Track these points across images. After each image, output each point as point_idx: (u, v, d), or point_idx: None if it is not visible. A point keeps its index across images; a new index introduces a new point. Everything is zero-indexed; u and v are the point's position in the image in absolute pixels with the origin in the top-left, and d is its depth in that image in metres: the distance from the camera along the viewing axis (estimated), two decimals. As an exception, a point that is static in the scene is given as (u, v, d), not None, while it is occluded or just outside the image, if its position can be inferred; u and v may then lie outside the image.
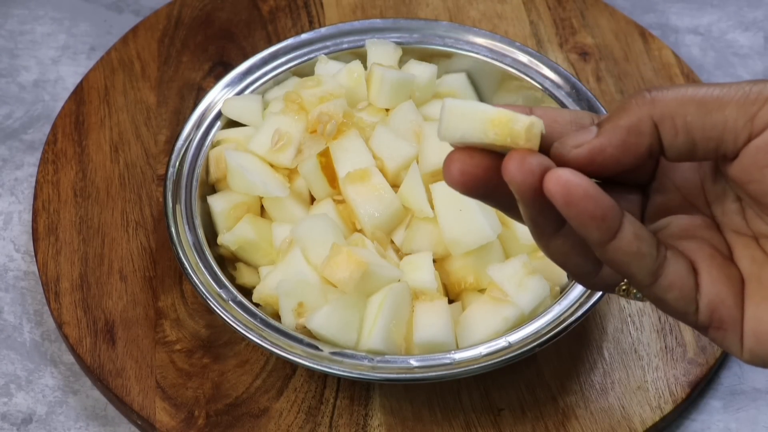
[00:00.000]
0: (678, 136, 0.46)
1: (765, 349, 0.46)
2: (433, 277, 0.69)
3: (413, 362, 0.66)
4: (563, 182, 0.44)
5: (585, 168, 0.45)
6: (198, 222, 0.72)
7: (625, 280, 0.49)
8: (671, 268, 0.46)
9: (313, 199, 0.74)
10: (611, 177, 0.47)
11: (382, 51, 0.80)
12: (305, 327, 0.67)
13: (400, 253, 0.71)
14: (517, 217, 0.49)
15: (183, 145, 0.76)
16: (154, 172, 0.82)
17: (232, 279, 0.71)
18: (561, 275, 0.70)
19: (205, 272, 0.70)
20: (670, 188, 0.50)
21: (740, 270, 0.47)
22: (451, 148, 0.47)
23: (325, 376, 0.71)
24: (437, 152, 0.72)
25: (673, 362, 0.72)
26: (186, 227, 0.72)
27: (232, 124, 0.78)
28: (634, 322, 0.74)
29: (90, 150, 0.83)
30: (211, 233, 0.74)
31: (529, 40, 0.92)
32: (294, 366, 0.72)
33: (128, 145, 0.83)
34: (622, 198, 0.50)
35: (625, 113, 0.46)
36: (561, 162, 0.46)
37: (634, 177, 0.50)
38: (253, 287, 0.71)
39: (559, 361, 0.72)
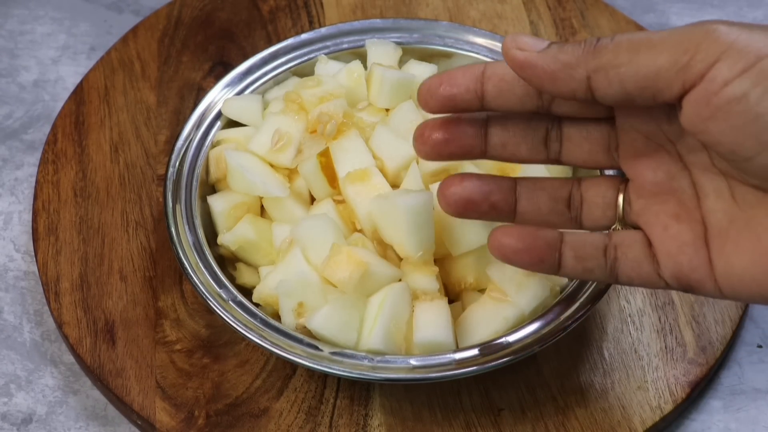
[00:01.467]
0: (611, 86, 0.48)
1: (740, 292, 0.50)
2: (434, 277, 0.69)
3: (413, 362, 0.66)
4: (498, 246, 0.55)
5: (519, 71, 0.50)
6: (198, 222, 0.72)
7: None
8: (624, 265, 0.53)
9: (313, 199, 0.74)
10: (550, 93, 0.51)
11: (382, 51, 0.80)
12: (305, 327, 0.67)
13: (400, 253, 0.71)
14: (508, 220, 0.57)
15: (183, 145, 0.76)
16: (154, 172, 0.82)
17: (232, 279, 0.71)
18: (561, 275, 0.70)
19: (205, 272, 0.70)
20: (630, 130, 0.53)
21: (704, 221, 0.50)
22: None
23: (325, 376, 0.71)
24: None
25: (673, 362, 0.72)
26: (186, 227, 0.72)
27: (232, 124, 0.78)
28: (634, 322, 0.74)
29: (90, 150, 0.83)
30: (211, 233, 0.74)
31: (529, 40, 0.91)
32: (294, 366, 0.72)
33: (128, 145, 0.83)
34: (590, 131, 0.55)
35: (569, 51, 0.49)
36: (505, 54, 0.50)
37: (592, 111, 0.54)
38: (253, 287, 0.71)
39: (559, 361, 0.72)
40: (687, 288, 0.52)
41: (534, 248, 0.53)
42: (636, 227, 0.54)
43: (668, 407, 0.70)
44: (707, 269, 0.50)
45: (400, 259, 0.69)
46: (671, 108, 0.50)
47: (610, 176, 0.58)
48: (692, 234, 0.51)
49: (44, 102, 0.90)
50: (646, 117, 0.52)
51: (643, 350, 0.73)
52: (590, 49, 0.48)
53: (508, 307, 0.67)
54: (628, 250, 0.53)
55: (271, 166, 0.74)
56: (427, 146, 0.55)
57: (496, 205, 0.56)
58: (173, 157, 0.75)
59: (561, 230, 0.54)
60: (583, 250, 0.53)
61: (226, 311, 0.67)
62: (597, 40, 0.48)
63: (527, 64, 0.49)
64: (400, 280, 0.69)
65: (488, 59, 0.81)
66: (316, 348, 0.66)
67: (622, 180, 0.56)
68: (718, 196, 0.50)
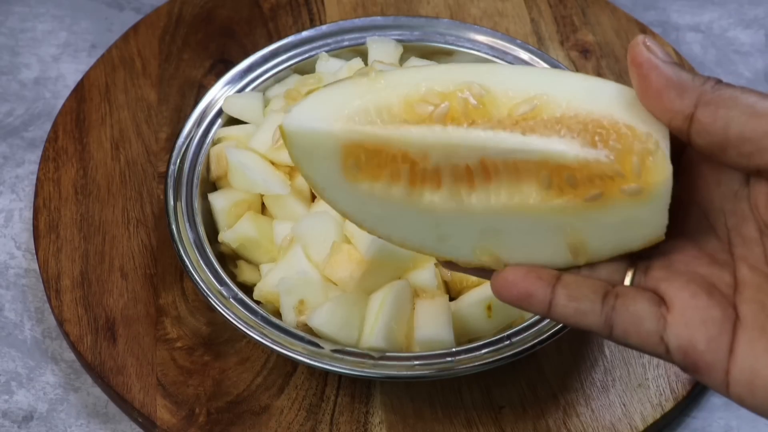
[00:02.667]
0: (715, 123, 0.45)
1: (758, 400, 0.45)
2: (434, 274, 0.69)
3: (414, 360, 0.66)
4: (494, 281, 0.50)
5: (634, 68, 0.47)
6: (199, 219, 0.72)
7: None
8: (622, 316, 0.47)
9: (314, 197, 0.74)
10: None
11: (383, 48, 0.80)
12: (306, 324, 0.67)
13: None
14: None
15: (184, 143, 0.76)
16: (155, 170, 0.82)
17: (232, 276, 0.71)
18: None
19: (206, 270, 0.70)
20: (690, 200, 0.49)
21: (739, 313, 0.46)
22: None
23: (326, 374, 0.71)
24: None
25: (674, 360, 0.72)
26: (187, 225, 0.72)
27: (233, 121, 0.78)
28: (635, 320, 0.74)
29: (91, 147, 0.83)
30: (212, 231, 0.74)
31: (530, 37, 0.91)
32: (295, 363, 0.72)
33: (129, 143, 0.83)
34: None
35: (691, 75, 0.46)
36: (634, 50, 0.47)
37: None
38: (254, 285, 0.71)
39: (560, 359, 0.72)
40: (690, 366, 0.46)
41: (524, 281, 0.49)
42: (649, 290, 0.49)
43: (669, 405, 0.70)
44: (724, 357, 0.45)
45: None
46: (748, 182, 0.47)
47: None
48: (722, 313, 0.46)
49: (45, 99, 0.90)
50: (719, 188, 0.48)
51: (644, 348, 0.73)
52: (711, 84, 0.46)
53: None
54: (631, 302, 0.48)
55: (272, 163, 0.74)
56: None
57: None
58: (174, 154, 0.75)
59: (559, 272, 0.50)
60: (578, 290, 0.48)
61: (227, 309, 0.67)
62: (717, 80, 0.46)
63: (646, 65, 0.46)
64: (401, 277, 0.69)
65: (489, 57, 0.81)
66: (317, 345, 0.66)
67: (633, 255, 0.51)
68: (760, 290, 0.46)
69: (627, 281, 0.49)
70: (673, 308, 0.47)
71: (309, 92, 0.50)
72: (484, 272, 0.51)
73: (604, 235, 0.48)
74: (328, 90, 0.50)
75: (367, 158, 0.49)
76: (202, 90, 0.86)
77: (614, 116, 0.47)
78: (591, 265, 0.50)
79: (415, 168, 0.49)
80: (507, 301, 0.50)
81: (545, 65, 0.80)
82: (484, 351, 0.66)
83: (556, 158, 0.47)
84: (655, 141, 0.46)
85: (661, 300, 0.47)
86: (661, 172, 0.46)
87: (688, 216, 0.49)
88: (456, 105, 0.48)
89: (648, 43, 0.47)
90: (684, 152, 0.50)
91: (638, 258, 0.50)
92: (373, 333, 0.66)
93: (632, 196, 0.47)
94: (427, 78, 0.49)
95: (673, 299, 0.47)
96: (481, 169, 0.48)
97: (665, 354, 0.47)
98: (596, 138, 0.47)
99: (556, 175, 0.47)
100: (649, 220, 0.48)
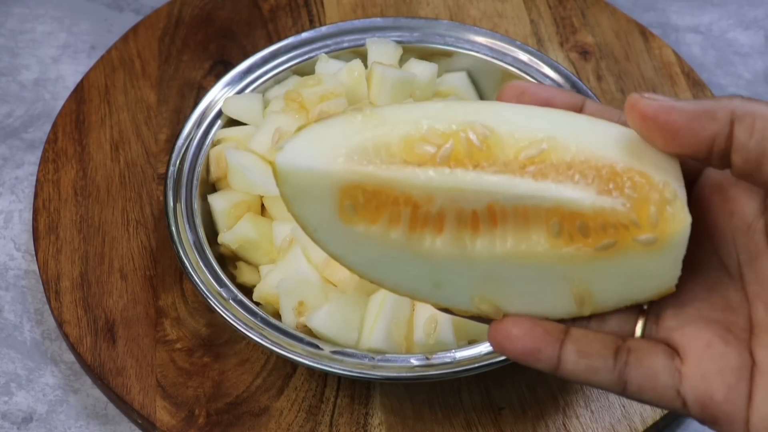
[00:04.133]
0: (752, 137, 0.43)
1: None
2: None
3: (414, 361, 0.66)
4: (494, 332, 0.46)
5: (647, 120, 0.44)
6: (198, 221, 0.72)
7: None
8: (636, 371, 0.45)
9: (313, 198, 0.74)
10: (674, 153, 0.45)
11: (382, 50, 0.80)
12: (306, 326, 0.67)
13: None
14: None
15: (183, 144, 0.76)
16: (154, 171, 0.82)
17: (232, 278, 0.71)
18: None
19: (206, 271, 0.70)
20: (700, 234, 0.47)
21: (755, 358, 0.44)
22: None
23: (325, 375, 0.71)
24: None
25: (674, 361, 0.72)
26: (186, 226, 0.72)
27: (232, 122, 0.78)
28: (635, 321, 0.74)
29: (90, 149, 0.83)
30: (212, 232, 0.74)
31: (530, 38, 0.92)
32: (294, 365, 0.72)
33: (129, 144, 0.83)
34: None
35: (711, 100, 0.44)
36: (632, 105, 0.44)
37: None
38: (254, 286, 0.71)
39: (559, 360, 0.72)
40: (708, 418, 0.44)
41: (531, 335, 0.46)
42: (661, 341, 0.46)
43: (669, 406, 0.70)
44: (743, 406, 0.43)
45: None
46: (764, 212, 0.45)
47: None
48: (738, 360, 0.44)
49: (45, 101, 0.90)
50: (731, 220, 0.46)
51: (643, 349, 0.73)
52: (737, 100, 0.43)
53: None
54: (644, 356, 0.45)
55: (272, 164, 0.74)
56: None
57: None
58: (174, 155, 0.75)
59: (566, 325, 0.47)
60: (589, 345, 0.46)
61: (227, 310, 0.67)
62: (740, 96, 0.44)
63: (662, 112, 0.43)
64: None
65: (488, 58, 0.81)
66: (317, 347, 0.66)
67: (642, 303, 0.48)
68: None
69: (638, 331, 0.47)
70: (687, 359, 0.45)
71: (299, 128, 0.48)
72: (482, 320, 0.48)
73: (612, 286, 0.46)
74: (320, 126, 0.47)
75: (366, 200, 0.46)
76: (201, 91, 0.86)
77: (627, 162, 0.45)
78: (600, 316, 0.48)
79: (417, 212, 0.46)
80: (510, 356, 0.46)
81: (545, 66, 0.80)
82: (483, 352, 0.66)
83: (571, 206, 0.45)
84: (672, 190, 0.44)
85: (674, 351, 0.45)
86: (679, 221, 0.44)
87: (697, 252, 0.47)
88: (459, 146, 0.46)
89: (646, 95, 0.44)
90: (693, 186, 0.48)
91: (648, 305, 0.48)
92: (372, 334, 0.66)
93: (646, 247, 0.45)
94: (426, 116, 0.47)
95: (687, 350, 0.45)
96: (488, 215, 0.46)
97: (682, 408, 0.45)
98: (611, 185, 0.45)
99: (568, 223, 0.45)
100: (661, 272, 0.46)
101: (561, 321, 0.47)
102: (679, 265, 0.45)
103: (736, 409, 0.44)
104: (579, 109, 0.48)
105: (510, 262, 0.46)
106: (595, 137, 0.46)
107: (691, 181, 0.47)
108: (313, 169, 0.46)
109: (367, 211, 0.46)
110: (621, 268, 0.46)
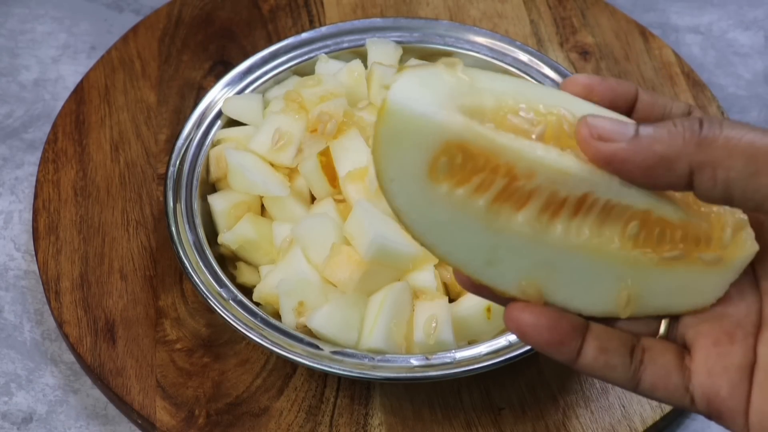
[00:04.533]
0: (716, 188, 0.42)
1: None
2: (434, 276, 0.69)
3: (414, 361, 0.66)
4: (515, 320, 0.46)
5: (606, 166, 0.44)
6: (198, 221, 0.72)
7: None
8: (650, 370, 0.46)
9: (313, 199, 0.74)
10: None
11: (382, 50, 0.80)
12: (306, 326, 0.67)
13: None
14: None
15: (183, 144, 0.76)
16: (154, 171, 0.82)
17: (232, 278, 0.71)
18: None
19: (206, 271, 0.70)
20: None
21: (756, 350, 0.45)
22: None
23: (325, 375, 0.71)
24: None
25: (674, 361, 0.72)
26: (186, 226, 0.72)
27: (232, 123, 0.78)
28: (635, 322, 0.74)
29: (90, 149, 0.83)
30: (212, 232, 0.74)
31: (530, 39, 0.92)
32: (294, 365, 0.72)
33: (129, 144, 0.83)
34: None
35: (666, 140, 0.43)
36: (585, 147, 0.43)
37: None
38: (254, 286, 0.71)
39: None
40: (714, 414, 0.46)
41: (557, 328, 0.46)
42: (678, 337, 0.48)
43: (668, 406, 0.70)
44: (743, 402, 0.45)
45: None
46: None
47: None
48: (743, 358, 0.45)
49: (45, 101, 0.90)
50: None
51: (643, 349, 0.73)
52: (694, 138, 0.42)
53: None
54: (658, 355, 0.47)
55: (272, 165, 0.74)
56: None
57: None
58: (174, 156, 0.75)
59: (587, 321, 0.48)
60: (609, 342, 0.47)
61: (227, 310, 0.67)
62: (700, 126, 0.42)
63: (616, 159, 0.43)
64: (400, 279, 0.69)
65: (488, 58, 0.81)
66: (317, 347, 0.66)
67: None
68: None
69: (662, 329, 0.48)
70: (696, 357, 0.46)
71: (400, 69, 0.46)
72: (500, 300, 0.48)
73: (658, 295, 0.47)
74: (428, 74, 0.44)
75: (464, 161, 0.44)
76: (201, 91, 0.86)
77: None
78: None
79: (512, 184, 0.45)
80: (531, 344, 0.47)
81: (545, 66, 0.80)
82: (483, 352, 0.66)
83: (663, 214, 0.45)
84: (745, 217, 0.45)
85: (685, 351, 0.47)
86: (747, 248, 0.45)
87: None
88: (552, 128, 0.45)
89: (598, 132, 0.43)
90: None
91: None
92: (372, 334, 0.66)
93: (707, 265, 0.45)
94: (516, 89, 0.46)
95: (696, 347, 0.46)
96: (576, 203, 0.45)
97: (690, 405, 0.46)
98: (695, 203, 0.45)
99: (647, 228, 0.45)
100: (708, 289, 0.46)
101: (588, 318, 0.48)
102: (726, 287, 0.46)
103: (739, 405, 0.45)
104: (635, 97, 0.48)
105: (576, 252, 0.46)
106: None
107: None
108: (427, 116, 0.43)
109: (459, 173, 0.45)
110: (675, 280, 0.46)
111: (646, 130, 0.43)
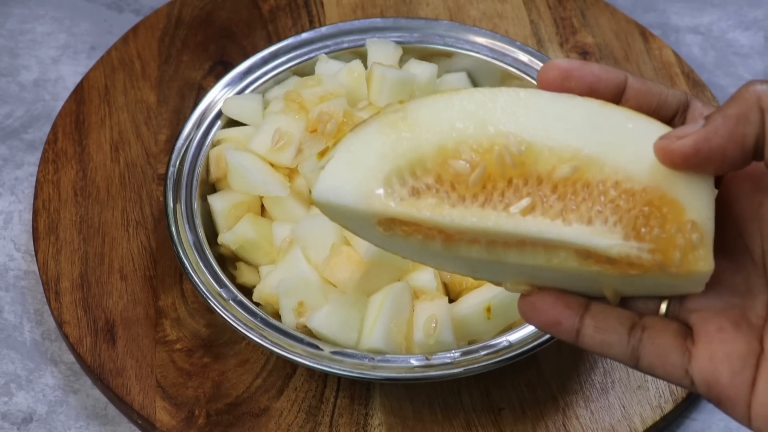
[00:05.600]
0: None
1: None
2: (434, 276, 0.69)
3: (414, 362, 0.66)
4: (521, 304, 0.49)
5: (691, 159, 0.44)
6: (198, 221, 0.72)
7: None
8: (649, 348, 0.47)
9: (313, 199, 0.74)
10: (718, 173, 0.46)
11: (382, 50, 0.80)
12: (306, 326, 0.67)
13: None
14: None
15: (183, 145, 0.76)
16: (154, 172, 0.82)
17: (232, 278, 0.71)
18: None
19: (206, 271, 0.70)
20: (728, 220, 0.48)
21: (764, 346, 0.46)
22: None
23: (325, 376, 0.71)
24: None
25: (674, 362, 0.72)
26: (186, 226, 0.72)
27: (232, 123, 0.78)
28: (635, 322, 0.74)
29: (90, 149, 0.83)
30: (212, 232, 0.74)
31: (530, 39, 0.92)
32: (294, 365, 0.71)
33: (129, 145, 0.83)
34: None
35: (734, 103, 0.44)
36: (664, 155, 0.45)
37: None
38: (254, 286, 0.71)
39: (559, 361, 0.72)
40: (713, 398, 0.46)
41: (553, 308, 0.49)
42: (680, 320, 0.49)
43: (668, 406, 0.70)
44: (746, 391, 0.45)
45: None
46: None
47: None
48: (746, 347, 0.46)
49: (44, 101, 0.90)
50: (760, 210, 0.47)
51: (643, 349, 0.73)
52: (756, 90, 0.44)
53: None
54: (657, 334, 0.48)
55: (272, 165, 0.74)
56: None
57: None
58: (174, 156, 0.75)
59: (588, 300, 0.49)
60: (605, 321, 0.48)
61: (227, 310, 0.67)
62: (760, 82, 0.44)
63: (701, 140, 0.44)
64: (400, 279, 0.69)
65: (488, 58, 0.81)
66: (317, 347, 0.66)
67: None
68: None
69: (662, 309, 0.49)
70: (698, 341, 0.47)
71: (336, 139, 0.49)
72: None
73: (640, 289, 0.48)
74: (355, 141, 0.48)
75: (402, 225, 0.48)
76: (201, 92, 0.86)
77: (660, 187, 0.46)
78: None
79: (451, 238, 0.48)
80: (535, 326, 0.50)
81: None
82: (483, 353, 0.66)
83: (597, 250, 0.46)
84: (698, 234, 0.45)
85: (688, 332, 0.47)
86: (703, 265, 0.45)
87: (725, 236, 0.48)
88: (493, 165, 0.47)
89: (674, 135, 0.45)
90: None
91: None
92: (372, 335, 0.66)
93: (671, 276, 0.46)
94: (461, 118, 0.48)
95: (700, 332, 0.47)
96: (518, 242, 0.48)
97: (690, 386, 0.47)
98: (641, 228, 0.46)
99: (595, 255, 0.47)
100: (686, 287, 0.47)
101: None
102: (703, 286, 0.47)
103: (740, 394, 0.45)
104: (623, 89, 0.48)
105: (542, 269, 0.48)
106: (629, 150, 0.47)
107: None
108: (349, 206, 0.47)
109: (404, 230, 0.48)
110: (647, 282, 0.47)
111: (712, 116, 0.44)
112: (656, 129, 0.47)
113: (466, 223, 0.47)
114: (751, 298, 0.47)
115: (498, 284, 0.51)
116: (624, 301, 0.49)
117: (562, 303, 0.49)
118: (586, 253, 0.47)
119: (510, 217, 0.47)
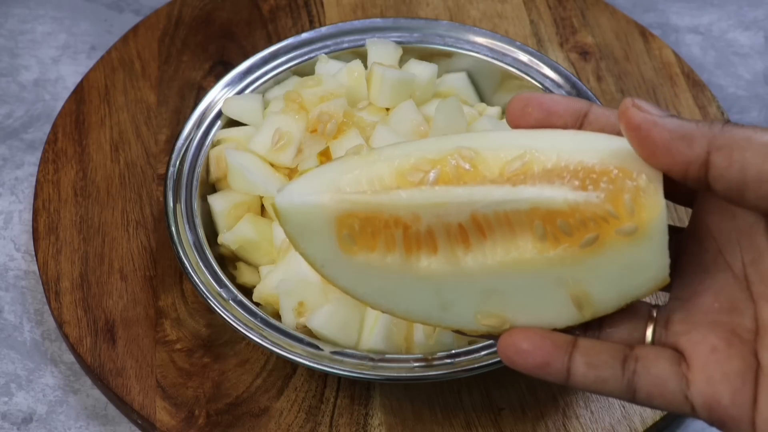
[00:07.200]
0: (731, 168, 0.43)
1: None
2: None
3: (414, 362, 0.66)
4: (502, 349, 0.48)
5: (631, 131, 0.45)
6: (198, 221, 0.72)
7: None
8: (645, 379, 0.46)
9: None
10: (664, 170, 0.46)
11: (382, 50, 0.80)
12: (306, 326, 0.67)
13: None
14: None
15: (183, 145, 0.76)
16: (154, 172, 0.82)
17: (232, 278, 0.71)
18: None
19: (206, 271, 0.70)
20: (705, 236, 0.48)
21: (760, 360, 0.45)
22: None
23: (325, 376, 0.71)
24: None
25: (674, 362, 0.72)
26: (186, 226, 0.72)
27: (232, 123, 0.78)
28: (635, 322, 0.74)
29: (90, 149, 0.83)
30: (212, 232, 0.74)
31: (530, 39, 0.92)
32: (294, 365, 0.72)
33: (128, 145, 0.83)
34: None
35: (693, 124, 0.44)
36: (621, 113, 0.45)
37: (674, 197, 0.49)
38: (254, 286, 0.71)
39: (559, 361, 0.72)
40: (716, 422, 0.45)
41: (540, 349, 0.47)
42: (669, 346, 0.47)
43: (668, 406, 0.70)
44: (749, 409, 0.44)
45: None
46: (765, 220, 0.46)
47: (637, 305, 0.49)
48: (743, 364, 0.45)
49: (44, 101, 0.90)
50: (734, 221, 0.47)
51: (643, 349, 0.73)
52: (717, 127, 0.44)
53: None
54: (651, 364, 0.46)
55: (272, 165, 0.74)
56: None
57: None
58: (173, 156, 0.75)
59: (575, 336, 0.48)
60: (597, 357, 0.47)
61: (227, 310, 0.67)
62: (724, 122, 0.44)
63: (645, 125, 0.44)
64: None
65: (488, 58, 0.81)
66: (317, 347, 0.66)
67: (651, 307, 0.49)
68: None
69: (648, 337, 0.48)
70: (693, 365, 0.46)
71: (302, 173, 0.51)
72: (494, 337, 0.49)
73: (606, 284, 0.47)
74: (320, 169, 0.50)
75: (361, 227, 0.49)
76: (201, 92, 0.86)
77: (605, 163, 0.46)
78: (610, 323, 0.49)
79: (408, 232, 0.48)
80: (520, 370, 0.48)
81: (545, 67, 0.80)
82: (483, 353, 0.66)
83: (546, 204, 0.46)
84: (645, 178, 0.45)
85: (680, 357, 0.46)
86: (654, 208, 0.45)
87: (704, 254, 0.48)
88: (447, 170, 0.48)
89: (638, 103, 0.45)
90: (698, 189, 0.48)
91: (658, 309, 0.49)
92: (372, 335, 0.66)
93: (628, 237, 0.46)
94: (418, 148, 0.49)
95: (693, 355, 0.46)
96: (474, 227, 0.48)
97: (691, 412, 0.46)
98: (587, 182, 0.46)
99: (549, 224, 0.47)
100: (649, 262, 0.47)
101: (569, 330, 0.48)
102: (666, 252, 0.46)
103: (742, 412, 0.44)
104: (583, 116, 0.49)
105: (504, 272, 0.48)
106: (577, 146, 0.47)
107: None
108: (307, 204, 0.49)
109: (364, 239, 0.49)
110: (610, 264, 0.47)
111: (675, 115, 0.45)
112: (603, 136, 0.48)
113: (416, 197, 0.47)
114: (738, 314, 0.46)
115: (473, 333, 0.50)
116: (607, 332, 0.48)
117: (549, 342, 0.47)
118: (542, 227, 0.46)
119: (457, 188, 0.47)
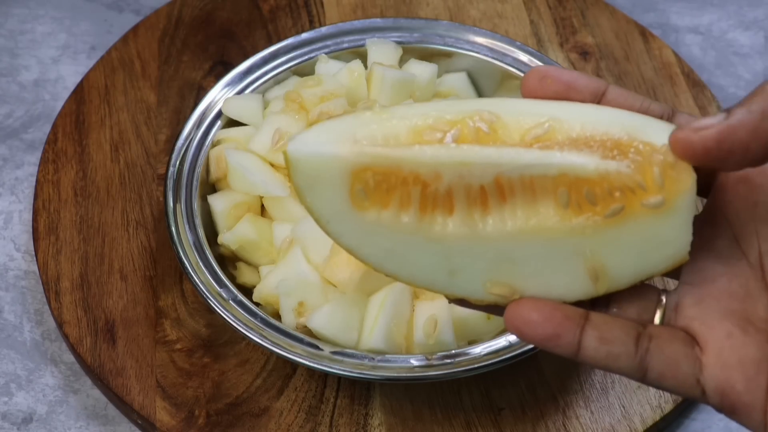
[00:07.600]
0: None
1: None
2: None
3: (414, 361, 0.66)
4: (510, 319, 0.46)
5: (712, 152, 0.43)
6: (198, 221, 0.72)
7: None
8: (658, 358, 0.45)
9: (313, 199, 0.74)
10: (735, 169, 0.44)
11: (382, 50, 0.80)
12: (306, 326, 0.67)
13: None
14: None
15: (183, 145, 0.76)
16: (154, 172, 0.82)
17: (232, 278, 0.71)
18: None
19: (206, 271, 0.70)
20: (720, 223, 0.47)
21: None
22: None
23: (325, 376, 0.71)
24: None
25: (674, 362, 0.72)
26: (186, 227, 0.72)
27: (232, 123, 0.78)
28: (635, 322, 0.74)
29: (90, 149, 0.83)
30: (212, 232, 0.74)
31: (530, 39, 0.92)
32: (294, 365, 0.72)
33: (128, 145, 0.83)
34: None
35: (757, 98, 0.43)
36: (684, 147, 0.43)
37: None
38: (254, 286, 0.71)
39: (559, 360, 0.72)
40: (726, 408, 0.44)
41: (550, 321, 0.45)
42: (680, 329, 0.46)
43: (668, 406, 0.70)
44: (762, 397, 0.44)
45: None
46: None
47: (647, 288, 0.48)
48: (759, 351, 0.44)
49: (44, 101, 0.90)
50: (752, 209, 0.46)
51: (643, 349, 0.73)
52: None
53: None
54: (665, 344, 0.45)
55: (272, 165, 0.74)
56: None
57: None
58: (174, 156, 0.75)
59: (587, 310, 0.47)
60: (610, 332, 0.45)
61: (227, 310, 0.67)
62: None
63: (725, 132, 0.42)
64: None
65: (488, 58, 0.81)
66: (317, 347, 0.66)
67: (660, 291, 0.48)
68: None
69: (657, 320, 0.47)
70: (707, 349, 0.45)
71: (310, 124, 0.48)
72: (499, 309, 0.48)
73: (625, 257, 0.46)
74: (331, 121, 0.48)
75: (376, 182, 0.46)
76: (201, 92, 0.86)
77: (632, 136, 0.45)
78: (619, 303, 0.48)
79: (427, 190, 0.46)
80: (529, 341, 0.46)
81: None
82: (483, 353, 0.66)
83: (576, 171, 0.45)
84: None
85: (693, 340, 0.46)
86: (684, 181, 0.44)
87: (719, 241, 0.47)
88: (467, 132, 0.46)
89: (694, 126, 0.43)
90: (717, 174, 0.47)
91: (667, 294, 0.48)
92: (372, 335, 0.66)
93: (655, 210, 0.45)
94: (436, 108, 0.47)
95: (707, 339, 0.45)
96: (496, 190, 0.46)
97: (701, 396, 0.45)
98: (615, 152, 0.45)
99: (575, 191, 0.45)
100: (672, 237, 0.45)
101: (579, 304, 0.47)
102: (690, 229, 0.45)
103: (755, 400, 0.44)
104: (602, 94, 0.48)
105: (521, 239, 0.46)
106: (600, 118, 0.46)
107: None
108: (323, 154, 0.46)
109: (378, 195, 0.46)
110: (632, 237, 0.45)
111: (734, 110, 0.43)
112: (624, 112, 0.46)
113: (441, 155, 0.45)
114: (752, 303, 0.46)
115: (479, 302, 0.48)
116: (615, 312, 0.47)
117: (560, 313, 0.45)
118: (566, 194, 0.45)
119: (484, 149, 0.45)
